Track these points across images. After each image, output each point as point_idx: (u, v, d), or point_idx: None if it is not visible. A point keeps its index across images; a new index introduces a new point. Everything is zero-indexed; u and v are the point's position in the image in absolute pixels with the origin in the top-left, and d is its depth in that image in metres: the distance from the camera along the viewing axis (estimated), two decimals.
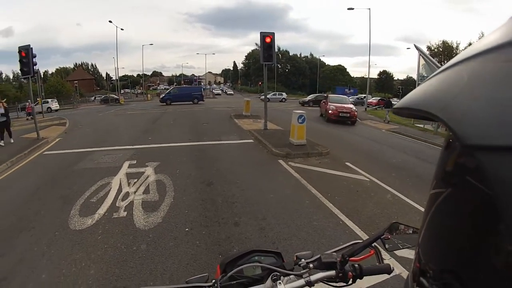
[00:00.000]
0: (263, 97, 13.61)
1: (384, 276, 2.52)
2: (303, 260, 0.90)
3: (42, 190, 5.15)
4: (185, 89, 30.31)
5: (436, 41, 57.89)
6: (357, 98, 34.80)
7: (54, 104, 28.87)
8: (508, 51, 0.24)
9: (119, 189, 4.99)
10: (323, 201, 4.75)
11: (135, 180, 5.42)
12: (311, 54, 76.76)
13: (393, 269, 0.92)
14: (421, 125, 17.44)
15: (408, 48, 49.25)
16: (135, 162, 6.63)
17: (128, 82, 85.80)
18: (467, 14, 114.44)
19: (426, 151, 9.89)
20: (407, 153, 9.33)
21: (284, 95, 40.15)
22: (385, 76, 71.31)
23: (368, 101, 32.13)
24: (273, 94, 38.99)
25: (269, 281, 0.86)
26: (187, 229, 3.73)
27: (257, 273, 0.90)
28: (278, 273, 0.86)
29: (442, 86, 0.28)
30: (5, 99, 11.80)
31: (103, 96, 40.88)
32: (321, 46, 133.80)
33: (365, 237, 3.68)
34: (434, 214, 0.29)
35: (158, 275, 2.81)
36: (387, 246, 0.93)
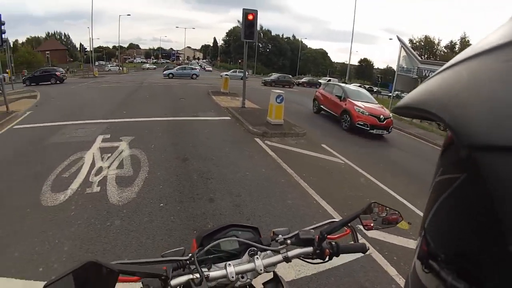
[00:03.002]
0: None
1: (357, 255, 2.61)
2: (280, 236, 0.90)
3: (13, 165, 4.85)
4: None
5: (418, 35, 58.79)
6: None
7: None
8: (508, 51, 0.24)
9: (92, 164, 4.82)
10: (298, 180, 4.84)
11: (109, 154, 5.25)
12: (293, 36, 76.26)
13: (368, 249, 0.93)
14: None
15: (390, 39, 49.64)
16: (109, 136, 6.40)
17: (103, 53, 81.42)
18: (452, 11, 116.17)
19: (399, 139, 10.31)
20: (380, 140, 9.63)
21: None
22: (365, 64, 72.11)
23: None
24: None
25: (246, 256, 0.86)
26: (161, 205, 3.70)
27: (234, 248, 0.88)
28: (256, 248, 0.86)
29: (443, 85, 0.28)
30: None
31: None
32: (304, 29, 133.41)
33: (337, 217, 3.84)
34: (439, 205, 0.30)
35: (132, 250, 2.80)
36: (363, 226, 0.94)
